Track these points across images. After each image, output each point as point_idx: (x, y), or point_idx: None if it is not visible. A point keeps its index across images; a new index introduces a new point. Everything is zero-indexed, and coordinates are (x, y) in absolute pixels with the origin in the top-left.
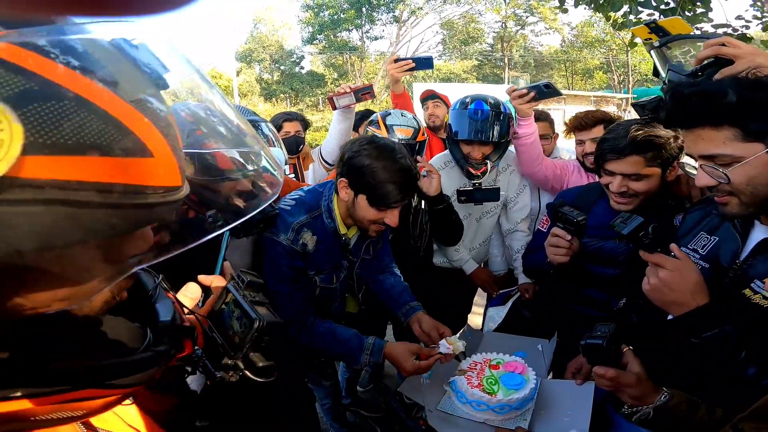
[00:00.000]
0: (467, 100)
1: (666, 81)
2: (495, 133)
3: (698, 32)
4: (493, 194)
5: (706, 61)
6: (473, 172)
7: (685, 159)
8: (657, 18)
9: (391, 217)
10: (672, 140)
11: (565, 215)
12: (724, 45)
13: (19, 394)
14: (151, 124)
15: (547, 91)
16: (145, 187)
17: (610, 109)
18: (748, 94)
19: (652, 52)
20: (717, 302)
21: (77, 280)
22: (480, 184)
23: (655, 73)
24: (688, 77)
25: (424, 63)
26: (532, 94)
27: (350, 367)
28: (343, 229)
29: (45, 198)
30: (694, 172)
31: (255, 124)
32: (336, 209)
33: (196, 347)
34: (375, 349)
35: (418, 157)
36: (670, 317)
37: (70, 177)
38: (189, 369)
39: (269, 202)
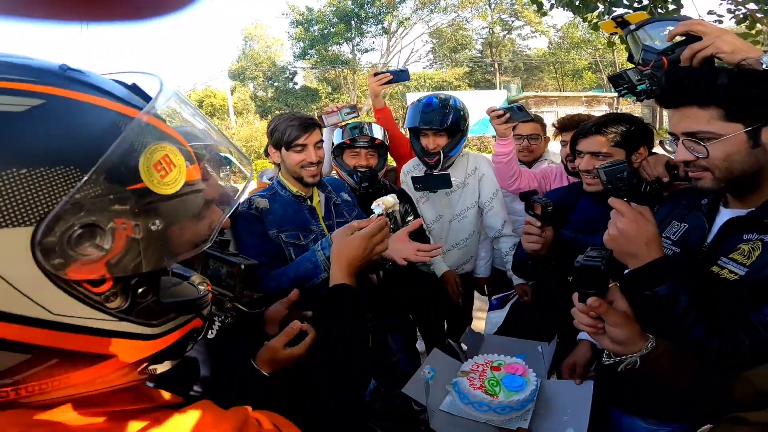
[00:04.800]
0: (422, 98)
1: (641, 61)
2: (442, 120)
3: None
4: (443, 180)
5: (677, 38)
6: (427, 161)
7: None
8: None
9: (309, 153)
10: (636, 129)
11: (535, 202)
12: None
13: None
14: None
15: (520, 113)
16: (197, 180)
17: (602, 108)
18: (737, 80)
19: (627, 37)
20: (672, 260)
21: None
22: (432, 171)
23: (630, 58)
24: (660, 54)
25: (400, 75)
26: (507, 115)
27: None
28: (296, 190)
29: (192, 190)
30: (669, 149)
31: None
32: (283, 179)
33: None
34: (324, 244)
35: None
36: (626, 271)
37: (190, 178)
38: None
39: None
